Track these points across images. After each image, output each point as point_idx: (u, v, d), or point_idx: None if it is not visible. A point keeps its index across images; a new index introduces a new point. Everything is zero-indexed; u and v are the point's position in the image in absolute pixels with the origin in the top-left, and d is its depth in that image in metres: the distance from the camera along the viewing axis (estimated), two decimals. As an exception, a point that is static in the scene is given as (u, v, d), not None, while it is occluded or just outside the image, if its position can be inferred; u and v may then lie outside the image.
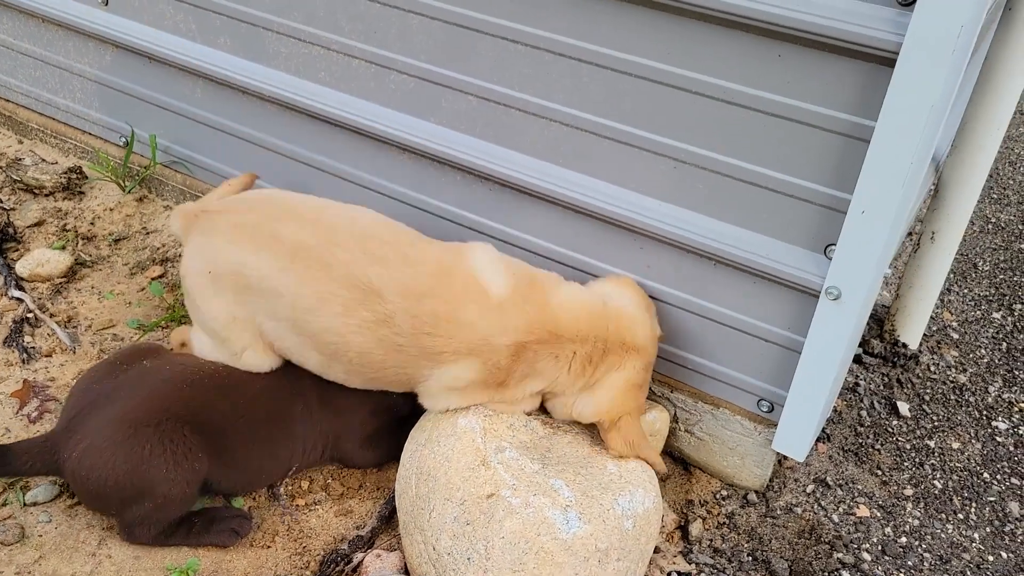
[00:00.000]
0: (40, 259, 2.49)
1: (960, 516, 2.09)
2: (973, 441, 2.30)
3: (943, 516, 2.08)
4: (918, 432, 2.31)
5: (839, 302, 1.70)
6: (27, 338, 2.29)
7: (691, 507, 2.04)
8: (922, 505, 2.10)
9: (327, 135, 2.28)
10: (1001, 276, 3.01)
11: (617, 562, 1.66)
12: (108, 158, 2.76)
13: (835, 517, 2.03)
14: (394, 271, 1.75)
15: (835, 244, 1.68)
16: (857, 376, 2.44)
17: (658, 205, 1.87)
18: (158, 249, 2.61)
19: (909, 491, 2.13)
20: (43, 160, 2.87)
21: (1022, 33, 2.00)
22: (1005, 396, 2.47)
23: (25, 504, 1.86)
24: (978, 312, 2.81)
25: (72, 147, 2.95)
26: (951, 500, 2.13)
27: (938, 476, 2.19)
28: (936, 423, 2.34)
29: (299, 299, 1.76)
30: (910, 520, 2.06)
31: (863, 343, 2.54)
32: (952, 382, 2.49)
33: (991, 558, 1.99)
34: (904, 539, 2.01)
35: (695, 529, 1.98)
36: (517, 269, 1.84)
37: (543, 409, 1.88)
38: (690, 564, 1.91)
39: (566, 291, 1.83)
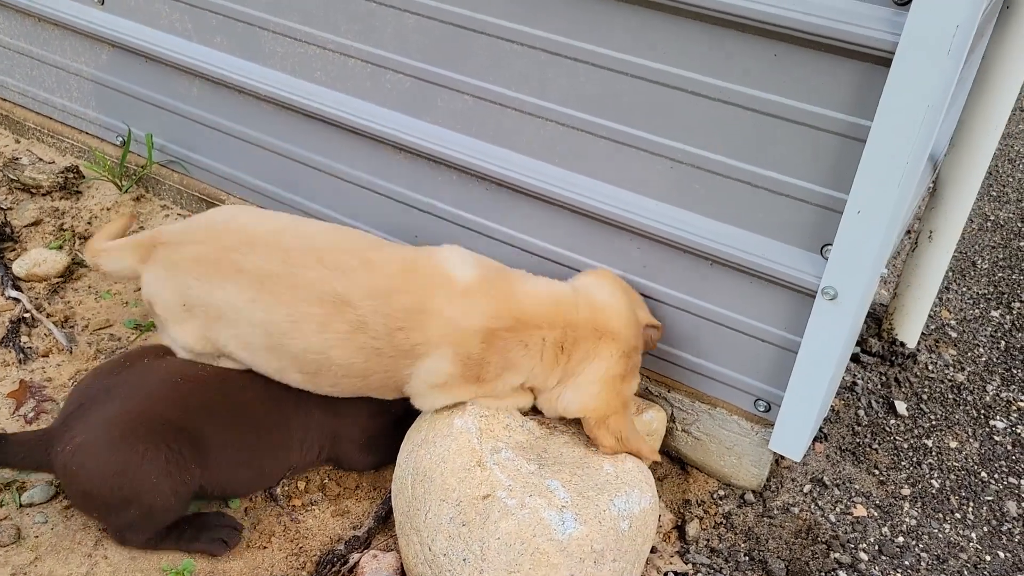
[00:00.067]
0: (37, 259, 2.49)
1: (957, 515, 2.09)
2: (971, 440, 2.30)
3: (940, 516, 2.08)
4: (916, 431, 2.31)
5: (835, 302, 1.70)
6: (24, 338, 2.29)
7: (688, 507, 2.04)
8: (919, 505, 2.10)
9: (323, 134, 2.28)
10: (1000, 274, 3.00)
11: (613, 563, 1.66)
12: (105, 157, 2.76)
13: (832, 517, 2.03)
14: (359, 277, 1.76)
15: (831, 244, 1.67)
16: (855, 375, 2.43)
17: (654, 205, 1.87)
18: (155, 249, 2.61)
19: (906, 490, 2.13)
20: (40, 159, 2.87)
21: (1020, 32, 1.99)
22: (1003, 395, 2.46)
23: (21, 505, 1.86)
24: (976, 310, 2.80)
25: (69, 146, 2.94)
26: (948, 499, 2.12)
27: (935, 475, 2.19)
28: (934, 422, 2.34)
29: (273, 326, 1.77)
30: (907, 520, 2.06)
31: (861, 342, 2.54)
32: (950, 381, 2.49)
33: (988, 557, 1.99)
34: (901, 539, 2.01)
35: (692, 529, 1.98)
36: (485, 262, 1.86)
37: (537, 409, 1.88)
38: (687, 564, 1.91)
39: (534, 282, 1.84)
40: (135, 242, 1.95)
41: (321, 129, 2.27)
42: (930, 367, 2.52)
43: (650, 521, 1.76)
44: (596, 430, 1.77)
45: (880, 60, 1.49)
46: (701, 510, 2.03)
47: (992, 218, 3.36)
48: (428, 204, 2.18)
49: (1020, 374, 2.54)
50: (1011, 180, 3.65)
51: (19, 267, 2.48)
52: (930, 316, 2.70)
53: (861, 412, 2.33)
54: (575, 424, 1.88)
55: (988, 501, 2.13)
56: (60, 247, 2.58)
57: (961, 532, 2.04)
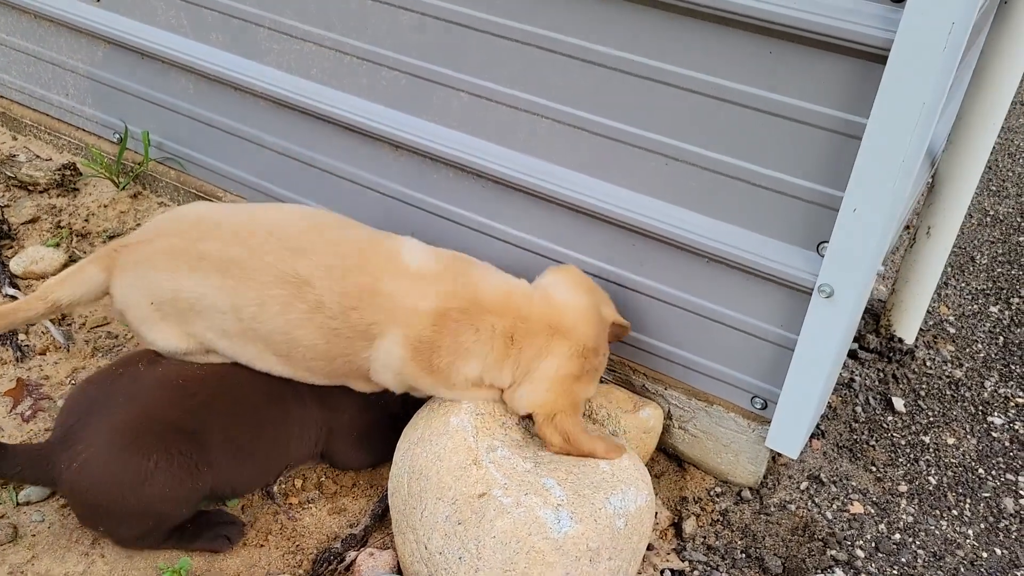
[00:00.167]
0: (34, 256, 2.49)
1: (954, 512, 2.08)
2: (968, 437, 2.30)
3: (937, 512, 2.08)
4: (913, 428, 2.30)
5: (832, 300, 1.70)
6: (21, 336, 2.29)
7: (685, 504, 2.04)
8: (916, 501, 2.10)
9: (319, 132, 2.27)
10: (999, 269, 3.00)
11: (608, 561, 1.66)
12: (102, 154, 2.75)
13: (829, 514, 2.03)
14: (318, 256, 1.77)
15: (827, 241, 1.67)
16: (852, 371, 2.43)
17: (650, 202, 1.86)
18: (152, 246, 2.61)
19: (903, 487, 2.13)
20: (37, 156, 2.87)
21: (1018, 27, 1.99)
22: (1001, 391, 2.46)
23: (18, 503, 1.86)
24: (975, 306, 2.80)
25: (66, 143, 2.94)
26: (945, 496, 2.12)
27: (933, 472, 2.18)
28: (931, 419, 2.34)
29: (241, 310, 1.77)
30: (904, 516, 2.06)
31: (859, 338, 2.54)
32: (948, 377, 2.48)
33: (985, 554, 1.99)
34: (898, 536, 2.01)
35: (689, 526, 1.98)
36: (446, 252, 1.87)
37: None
38: (683, 561, 1.91)
39: (491, 271, 1.85)
40: (95, 256, 1.90)
41: (317, 126, 2.27)
42: (928, 363, 2.52)
43: (646, 519, 1.76)
44: (543, 428, 1.74)
45: (876, 57, 1.49)
46: (698, 507, 2.03)
47: (991, 213, 3.35)
48: (424, 201, 2.18)
49: (1018, 370, 2.54)
50: (1011, 175, 3.64)
51: (16, 264, 2.48)
52: (928, 312, 2.70)
53: (859, 409, 2.33)
54: (571, 422, 1.88)
55: (985, 498, 2.13)
56: (57, 245, 2.58)
57: (958, 529, 2.04)
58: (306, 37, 2.17)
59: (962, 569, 1.95)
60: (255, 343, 1.81)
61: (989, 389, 2.46)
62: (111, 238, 2.64)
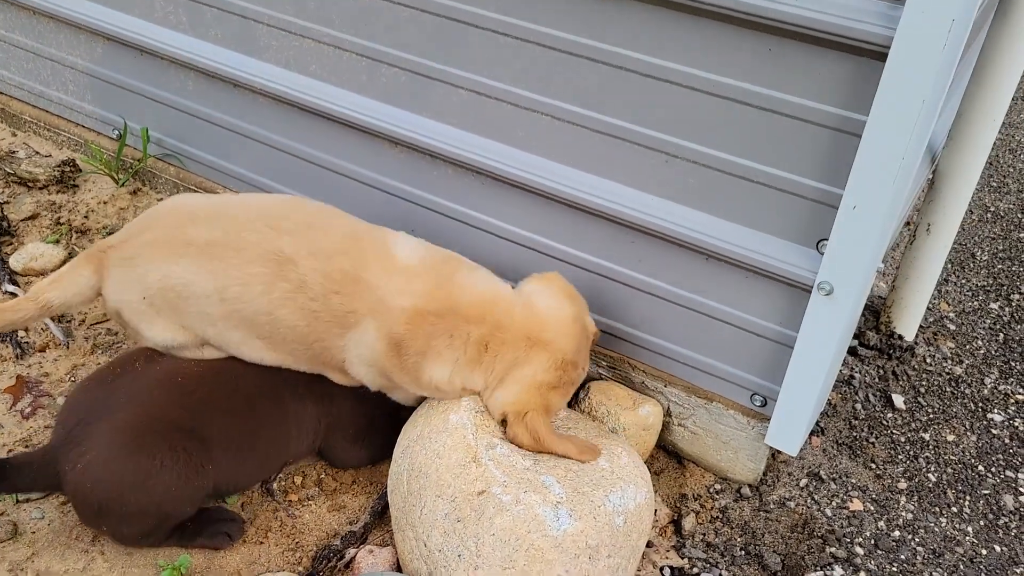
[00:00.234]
0: (34, 253, 2.49)
1: (954, 509, 2.08)
2: (968, 434, 2.30)
3: (937, 509, 2.08)
4: (913, 425, 2.30)
5: (831, 297, 1.69)
6: (20, 333, 2.29)
7: (684, 501, 2.04)
8: (916, 498, 2.10)
9: (318, 128, 2.27)
10: (1000, 266, 2.99)
11: (607, 558, 1.66)
12: (101, 151, 2.75)
13: (828, 511, 2.03)
14: (304, 237, 1.78)
15: (827, 239, 1.67)
16: (852, 368, 2.43)
17: (649, 199, 1.86)
18: (152, 243, 2.61)
19: (903, 484, 2.13)
20: (37, 153, 2.87)
21: (1018, 24, 1.98)
22: (1001, 388, 2.46)
23: (18, 500, 1.87)
24: (975, 302, 2.79)
25: (65, 140, 2.94)
26: (945, 493, 2.12)
27: (932, 469, 2.18)
28: (931, 416, 2.34)
29: (225, 291, 1.78)
30: (904, 514, 2.06)
31: (858, 335, 2.53)
32: (948, 374, 2.48)
33: (984, 552, 1.99)
34: (897, 533, 2.01)
35: (688, 523, 1.98)
36: (434, 248, 1.86)
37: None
38: (683, 558, 1.91)
39: (478, 276, 1.83)
40: (84, 257, 1.89)
41: (316, 123, 2.27)
42: (928, 360, 2.52)
43: (645, 516, 1.76)
44: (514, 426, 1.73)
45: (875, 55, 1.48)
46: (697, 504, 2.03)
47: (992, 209, 3.34)
48: (423, 198, 2.18)
49: (1019, 367, 2.54)
50: (1012, 171, 3.64)
51: (16, 261, 2.48)
52: (928, 309, 2.70)
53: (858, 406, 2.33)
54: (569, 421, 1.88)
55: (985, 495, 2.13)
56: (57, 241, 2.58)
57: (957, 526, 2.04)
58: (305, 33, 2.17)
59: (961, 566, 1.95)
60: (240, 328, 1.81)
61: (989, 386, 2.46)
62: (110, 235, 2.63)
